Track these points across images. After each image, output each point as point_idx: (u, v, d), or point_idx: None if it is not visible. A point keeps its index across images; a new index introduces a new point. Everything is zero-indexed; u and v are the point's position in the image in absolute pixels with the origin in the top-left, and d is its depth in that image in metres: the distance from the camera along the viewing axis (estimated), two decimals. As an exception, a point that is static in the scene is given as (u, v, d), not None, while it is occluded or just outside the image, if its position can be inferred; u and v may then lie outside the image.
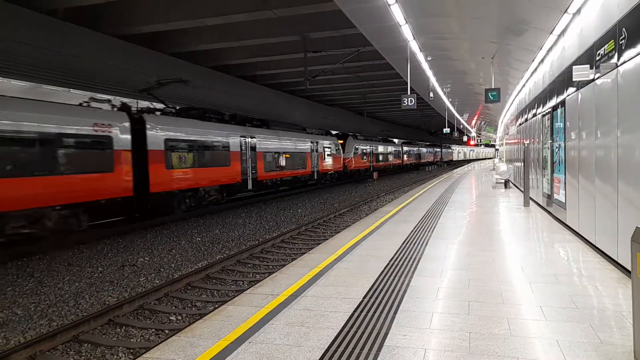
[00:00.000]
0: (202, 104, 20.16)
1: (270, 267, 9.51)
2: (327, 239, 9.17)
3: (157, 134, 14.40)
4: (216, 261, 9.39)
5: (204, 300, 7.44)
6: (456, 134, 38.28)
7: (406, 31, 10.62)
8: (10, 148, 10.15)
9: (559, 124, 9.09)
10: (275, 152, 22.14)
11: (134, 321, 6.45)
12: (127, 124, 13.18)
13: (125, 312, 6.64)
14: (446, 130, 33.73)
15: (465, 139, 53.38)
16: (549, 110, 10.02)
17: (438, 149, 72.25)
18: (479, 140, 66.38)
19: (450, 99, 26.46)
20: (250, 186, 19.76)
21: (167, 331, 6.13)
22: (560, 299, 4.58)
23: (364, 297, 4.76)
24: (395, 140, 52.45)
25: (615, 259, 5.62)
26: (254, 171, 19.91)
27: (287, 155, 23.35)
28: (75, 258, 10.25)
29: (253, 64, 22.70)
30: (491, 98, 13.51)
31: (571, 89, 7.78)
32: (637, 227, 3.08)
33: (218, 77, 22.35)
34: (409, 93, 13.75)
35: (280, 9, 13.65)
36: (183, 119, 16.02)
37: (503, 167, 20.61)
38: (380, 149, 42.41)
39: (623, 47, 5.15)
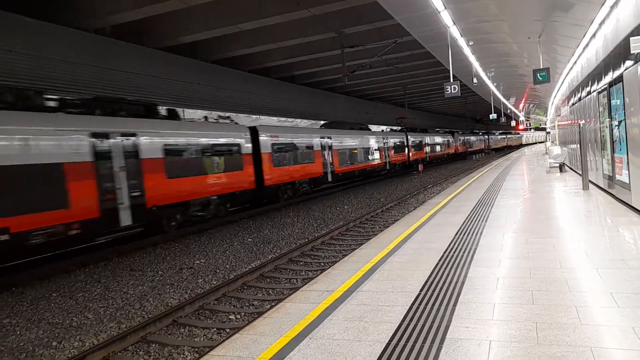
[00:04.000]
0: (275, 111, 22.69)
1: (322, 264, 9.59)
2: (377, 234, 9.12)
3: (266, 140, 18.30)
4: (269, 260, 9.59)
5: (260, 299, 7.61)
6: (503, 119, 36.82)
7: (446, 17, 10.36)
8: (192, 156, 14.22)
9: (617, 101, 8.56)
10: (348, 149, 25.63)
11: (196, 321, 6.71)
12: (248, 134, 17.09)
13: (187, 313, 6.92)
14: (493, 116, 32.52)
15: (513, 124, 51.31)
16: (605, 86, 9.46)
17: (484, 137, 70.12)
18: (528, 125, 63.61)
19: (495, 84, 25.54)
20: (329, 179, 23.32)
21: (228, 330, 6.33)
22: (631, 284, 4.33)
23: (421, 290, 4.71)
24: (438, 130, 52.07)
25: (692, 240, 5.24)
26: (332, 166, 23.51)
27: (355, 151, 26.74)
28: (137, 263, 10.78)
29: (290, 65, 22.92)
30: (540, 79, 12.92)
31: (629, 62, 7.30)
32: None
33: (284, 86, 24.83)
34: (452, 80, 13.40)
35: (314, 8, 13.70)
36: (281, 126, 20.62)
37: (557, 150, 19.65)
38: (435, 139, 45.34)
39: (688, 12, 4.78)
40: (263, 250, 11.22)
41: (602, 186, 11.04)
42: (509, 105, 42.00)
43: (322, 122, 27.47)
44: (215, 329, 6.39)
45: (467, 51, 14.63)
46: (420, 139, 40.00)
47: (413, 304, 4.34)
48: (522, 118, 55.76)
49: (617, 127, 8.78)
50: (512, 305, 4.07)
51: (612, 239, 6.25)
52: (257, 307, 7.23)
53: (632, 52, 6.39)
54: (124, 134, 12.00)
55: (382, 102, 39.84)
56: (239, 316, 6.89)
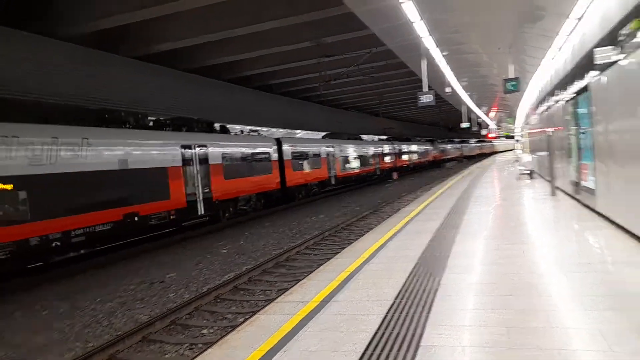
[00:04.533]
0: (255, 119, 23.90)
1: (297, 274, 9.50)
2: (352, 243, 9.11)
3: (288, 149, 21.87)
4: (243, 272, 9.45)
5: (234, 312, 7.47)
6: (475, 128, 37.59)
7: (420, 28, 10.54)
8: (239, 162, 17.72)
9: (583, 110, 8.85)
10: (347, 157, 29.49)
11: (168, 337, 6.52)
12: (275, 144, 20.64)
13: (158, 329, 6.72)
14: (465, 124, 33.22)
15: (484, 132, 52.57)
16: (573, 95, 9.77)
17: (458, 145, 71.68)
18: (498, 133, 65.24)
19: (468, 93, 26.13)
20: (333, 182, 27.05)
21: (200, 345, 6.17)
22: (598, 287, 4.43)
23: (396, 298, 4.70)
24: (419, 139, 54.51)
25: (655, 244, 5.41)
26: (335, 171, 27.20)
27: (353, 158, 30.48)
28: (107, 278, 10.44)
29: (269, 73, 22.91)
30: (510, 88, 13.27)
31: (594, 73, 7.57)
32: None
33: (266, 96, 25.62)
34: (426, 90, 13.62)
35: (293, 17, 13.74)
36: (298, 137, 25.60)
37: (526, 157, 20.18)
38: (418, 147, 49.17)
39: (646, 24, 4.98)
40: (237, 262, 11.05)
41: (569, 192, 11.36)
42: (481, 114, 43.00)
43: (323, 133, 30.56)
44: (187, 345, 6.22)
45: (441, 61, 14.92)
46: (405, 148, 43.55)
47: (388, 312, 4.33)
48: (493, 126, 57.16)
49: (583, 135, 9.07)
50: (485, 311, 4.10)
51: (578, 244, 6.41)
52: (230, 321, 7.09)
53: (597, 62, 6.62)
54: (199, 145, 15.40)
55: (357, 111, 40.16)
56: (212, 330, 6.73)
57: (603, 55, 6.50)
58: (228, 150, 16.98)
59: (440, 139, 63.71)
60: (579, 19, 8.52)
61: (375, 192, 27.55)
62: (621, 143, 6.49)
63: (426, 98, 13.61)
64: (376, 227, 10.49)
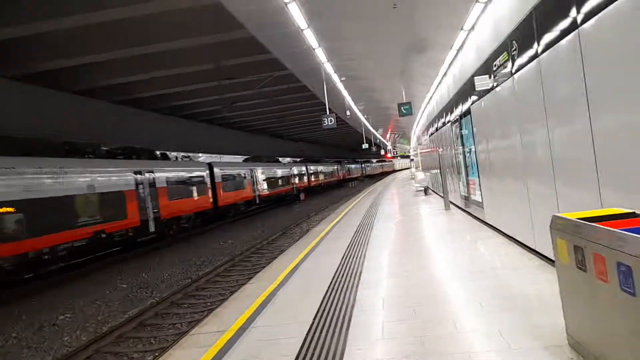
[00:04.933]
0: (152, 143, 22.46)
1: (209, 303, 9.13)
2: (265, 267, 9.03)
3: (218, 172, 24.32)
4: (148, 307, 8.83)
5: (141, 350, 6.94)
6: (374, 149, 39.94)
7: (319, 54, 10.98)
8: (180, 185, 20.08)
9: (467, 131, 9.87)
10: (269, 178, 32.67)
11: (64, 386, 5.82)
12: (206, 168, 23.24)
13: (52, 378, 5.97)
14: (365, 145, 35.03)
15: (382, 152, 55.92)
16: (457, 118, 10.85)
17: (359, 165, 75.36)
18: (395, 153, 69.78)
19: (365, 116, 27.61)
20: (257, 201, 29.81)
21: (103, 391, 5.60)
22: (493, 291, 4.90)
23: (314, 318, 4.73)
24: (328, 160, 58.41)
25: (534, 248, 6.16)
26: (259, 191, 30.04)
27: (273, 179, 33.71)
28: (-18, 326, 9.05)
29: (167, 96, 21.97)
30: (404, 112, 14.34)
31: (475, 98, 8.51)
32: (553, 215, 3.41)
33: (161, 117, 24.03)
34: (328, 113, 14.15)
35: (191, 38, 13.43)
36: (230, 162, 28.18)
37: (421, 175, 21.82)
38: (328, 168, 53.80)
39: (515, 57, 5.77)
40: (141, 296, 10.30)
41: (461, 205, 12.50)
42: (378, 136, 45.66)
43: (244, 157, 33.06)
44: (88, 392, 5.61)
45: (340, 86, 15.65)
46: (317, 168, 47.62)
47: (308, 333, 4.34)
48: (389, 147, 60.98)
49: (469, 153, 10.08)
50: (398, 322, 4.31)
51: (473, 253, 7.06)
52: (137, 360, 6.55)
53: (476, 89, 7.47)
54: (148, 171, 17.48)
55: (262, 134, 40.19)
56: (116, 373, 6.16)
57: (481, 83, 7.37)
58: (170, 174, 19.42)
59: (346, 159, 68.06)
60: (458, 50, 9.58)
61: (283, 213, 27.64)
62: (499, 160, 7.35)
63: (329, 121, 14.13)
64: (287, 249, 10.51)
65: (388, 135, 50.43)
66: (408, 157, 51.51)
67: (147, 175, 17.40)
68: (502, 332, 3.79)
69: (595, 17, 3.75)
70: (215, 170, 24.09)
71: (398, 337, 3.95)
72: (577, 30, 4.08)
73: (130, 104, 21.21)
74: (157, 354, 6.35)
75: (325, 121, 13.83)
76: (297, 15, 8.08)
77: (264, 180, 31.36)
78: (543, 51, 4.88)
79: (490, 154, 8.02)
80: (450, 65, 10.99)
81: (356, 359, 3.65)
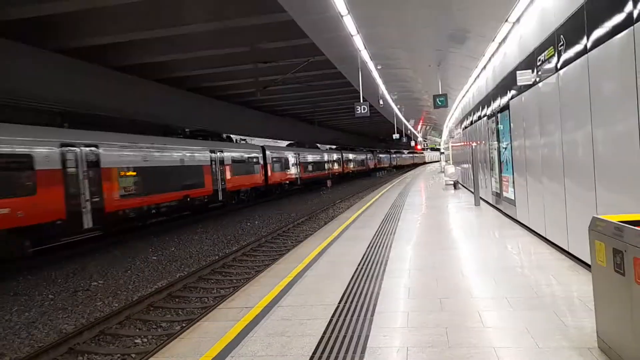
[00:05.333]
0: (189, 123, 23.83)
1: (235, 280, 9.36)
2: (290, 249, 9.17)
3: (269, 154, 27.96)
4: (177, 279, 9.12)
5: (169, 320, 7.20)
6: (404, 140, 39.50)
7: (357, 41, 10.89)
8: (242, 163, 23.89)
9: (504, 126, 9.65)
10: (309, 163, 36.33)
11: (97, 347, 6.13)
12: (260, 151, 26.77)
13: (86, 339, 6.29)
14: (395, 136, 34.67)
15: (412, 144, 55.23)
16: (494, 112, 10.61)
17: (389, 155, 74.92)
18: (425, 145, 68.81)
19: (398, 106, 27.28)
20: (299, 182, 33.40)
21: (133, 355, 5.87)
22: (522, 289, 4.85)
23: (340, 302, 4.81)
24: (362, 149, 61.20)
25: (566, 249, 6.03)
26: (300, 173, 33.85)
27: (313, 164, 37.16)
28: (21, 287, 9.58)
29: (203, 76, 22.28)
30: (439, 104, 14.10)
31: (514, 92, 8.30)
32: (593, 216, 3.34)
33: (199, 98, 25.21)
34: (361, 101, 14.07)
35: (229, 20, 13.53)
36: (279, 146, 31.65)
37: (451, 169, 21.46)
38: (362, 156, 57.03)
39: (562, 53, 5.59)
40: (170, 269, 10.64)
41: (491, 202, 12.28)
42: (409, 126, 45.07)
43: (287, 142, 36.24)
44: (119, 355, 5.89)
45: (375, 74, 15.49)
46: (351, 156, 50.44)
47: (333, 316, 4.42)
48: (420, 139, 60.12)
49: (504, 149, 9.87)
50: (424, 312, 4.33)
51: (503, 250, 6.96)
52: (165, 329, 6.81)
53: (518, 83, 7.28)
54: (219, 151, 21.57)
55: (293, 118, 40.34)
56: (145, 340, 6.43)
57: (523, 77, 7.17)
58: (234, 154, 23.15)
59: (377, 149, 69.31)
60: (501, 42, 9.32)
61: (309, 199, 27.81)
62: (536, 158, 7.17)
63: (362, 109, 14.05)
64: (314, 233, 10.62)
65: (419, 127, 49.68)
66: (438, 149, 50.74)
67: (218, 154, 21.17)
68: (529, 330, 3.76)
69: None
70: (267, 152, 27.56)
71: (424, 327, 3.98)
72: (632, 27, 3.92)
73: (197, 91, 22.02)
74: (184, 325, 6.58)
75: (359, 109, 13.76)
76: (338, 0, 8.03)
77: (305, 164, 34.99)
78: (593, 47, 4.71)
79: (527, 151, 7.83)
80: (490, 58, 10.71)
81: (381, 344, 3.70)
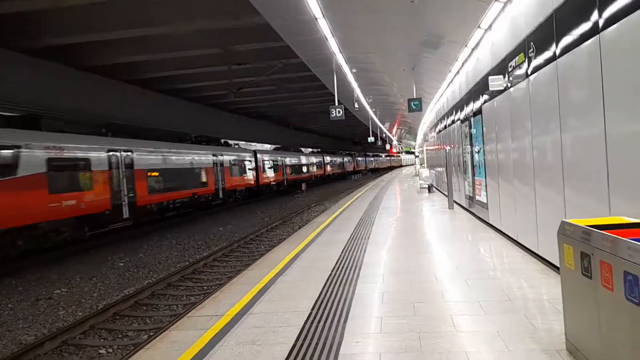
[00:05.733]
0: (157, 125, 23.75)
1: (205, 287, 9.14)
2: (264, 254, 9.03)
3: (260, 157, 30.19)
4: (144, 286, 8.84)
5: (136, 329, 6.95)
6: (380, 143, 39.89)
7: (332, 44, 10.88)
8: (238, 165, 26.24)
9: (477, 130, 9.79)
10: (295, 165, 38.67)
11: (59, 359, 5.85)
12: (252, 155, 29.12)
13: (47, 350, 6.00)
14: (370, 139, 34.89)
15: (387, 147, 55.77)
16: (468, 116, 10.76)
17: (364, 158, 75.54)
18: (400, 148, 69.57)
19: (373, 109, 27.47)
20: (285, 184, 35.51)
21: (98, 366, 5.62)
22: (494, 292, 4.88)
23: (312, 309, 4.72)
24: (342, 152, 63.22)
25: (537, 252, 6.12)
26: (287, 175, 36.12)
27: (298, 166, 39.82)
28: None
29: (173, 77, 21.90)
30: (414, 107, 14.23)
31: (487, 97, 8.42)
32: (562, 220, 3.37)
33: (169, 100, 25.39)
34: (336, 104, 14.06)
35: (202, 21, 13.33)
36: (267, 150, 34.67)
37: (425, 172, 21.71)
38: (341, 159, 59.20)
39: (532, 59, 5.69)
40: (137, 276, 10.32)
41: (465, 205, 12.45)
42: (384, 130, 45.47)
43: (274, 145, 39.37)
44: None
45: (351, 78, 15.53)
46: (333, 159, 53.65)
47: (305, 323, 4.33)
48: (395, 142, 60.77)
49: (477, 153, 10.01)
50: (398, 318, 4.29)
51: (476, 253, 7.02)
52: (132, 339, 6.57)
53: (490, 89, 7.38)
54: (219, 154, 23.99)
55: (267, 120, 40.12)
56: (110, 350, 6.18)
57: (495, 83, 7.28)
58: (231, 157, 25.62)
59: (356, 153, 71.66)
60: (474, 48, 9.46)
61: (284, 203, 27.64)
62: (507, 161, 7.28)
63: (337, 112, 14.04)
64: (288, 238, 10.51)
65: (394, 130, 50.19)
66: (413, 153, 51.37)
67: (218, 157, 23.68)
68: (501, 334, 3.76)
69: (618, 23, 3.68)
70: (258, 156, 30.03)
71: (397, 333, 3.93)
72: (598, 36, 4.00)
73: (136, 83, 21.28)
74: (151, 334, 6.36)
75: (334, 112, 13.75)
76: (312, 3, 7.98)
77: (290, 166, 37.45)
78: (562, 54, 4.79)
79: (499, 154, 7.95)
80: (463, 63, 10.87)
81: (354, 351, 3.63)
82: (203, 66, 19.25)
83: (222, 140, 27.03)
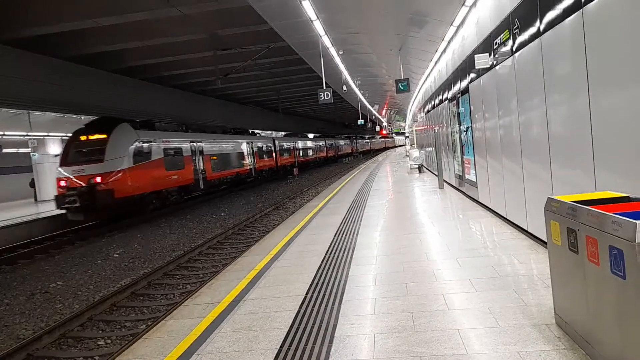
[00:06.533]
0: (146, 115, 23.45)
1: (201, 275, 9.19)
2: (258, 240, 9.08)
3: (278, 143, 36.21)
4: (140, 277, 8.87)
5: (134, 319, 7.00)
6: (369, 125, 39.87)
7: (317, 27, 10.76)
8: (263, 151, 33.05)
9: (464, 109, 9.81)
10: (304, 149, 44.69)
11: (58, 352, 5.89)
12: (272, 141, 34.81)
13: (46, 344, 6.04)
14: (360, 121, 34.84)
15: (377, 129, 55.71)
16: (455, 96, 10.77)
17: (354, 141, 75.64)
18: (390, 130, 69.52)
19: (361, 91, 27.34)
20: (296, 164, 40.62)
21: (97, 358, 5.68)
22: (485, 270, 4.97)
23: (307, 293, 4.79)
24: (340, 135, 68.60)
25: (526, 229, 6.22)
26: (298, 157, 42.02)
27: (306, 150, 45.73)
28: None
29: (158, 65, 21.55)
30: (402, 88, 14.18)
31: (473, 76, 8.43)
32: (548, 197, 3.43)
33: (155, 88, 25.04)
34: (324, 87, 13.97)
35: (185, 6, 13.06)
36: (282, 137, 40.02)
37: (416, 153, 21.78)
38: (340, 142, 64.60)
39: (517, 36, 5.69)
40: (133, 266, 10.34)
41: (455, 185, 12.55)
42: (374, 112, 45.35)
43: (282, 133, 44.66)
44: (81, 358, 5.68)
45: (338, 60, 15.41)
46: (333, 142, 59.75)
47: (301, 307, 4.40)
48: (385, 124, 60.68)
49: (465, 132, 10.06)
50: (391, 299, 4.37)
51: (466, 231, 7.12)
52: (130, 329, 6.62)
53: (476, 67, 7.38)
54: (251, 142, 30.79)
55: (257, 106, 39.81)
56: (109, 341, 6.23)
57: (481, 61, 7.27)
58: (259, 144, 31.74)
59: (350, 135, 75.52)
60: (459, 26, 9.42)
61: (276, 187, 27.67)
62: (495, 139, 7.33)
63: (325, 95, 13.97)
64: (281, 223, 10.55)
65: (384, 112, 50.08)
66: (403, 134, 51.39)
67: (251, 144, 29.96)
68: (492, 310, 3.85)
69: (602, -3, 3.68)
70: (276, 142, 35.85)
71: (390, 313, 4.01)
72: (580, 10, 4.01)
73: (120, 72, 20.91)
74: (149, 323, 6.42)
75: (322, 96, 13.67)
76: (296, -15, 7.87)
77: (300, 150, 43.26)
78: (545, 30, 4.80)
79: (486, 133, 8.00)
80: (449, 42, 10.83)
81: (348, 333, 3.70)
82: (188, 52, 18.95)
83: (250, 131, 33.67)
